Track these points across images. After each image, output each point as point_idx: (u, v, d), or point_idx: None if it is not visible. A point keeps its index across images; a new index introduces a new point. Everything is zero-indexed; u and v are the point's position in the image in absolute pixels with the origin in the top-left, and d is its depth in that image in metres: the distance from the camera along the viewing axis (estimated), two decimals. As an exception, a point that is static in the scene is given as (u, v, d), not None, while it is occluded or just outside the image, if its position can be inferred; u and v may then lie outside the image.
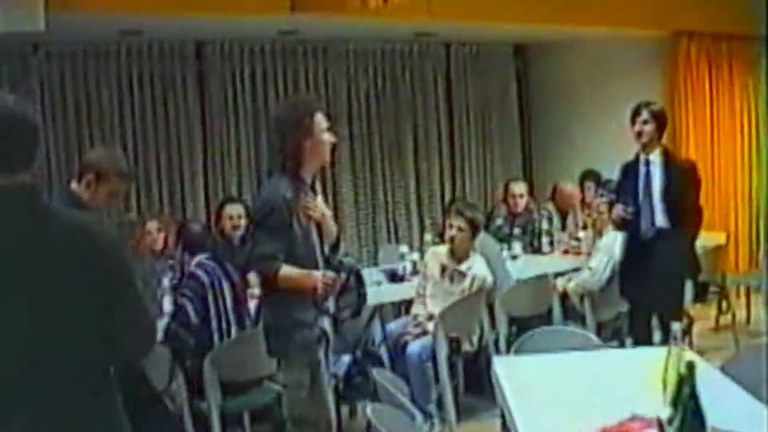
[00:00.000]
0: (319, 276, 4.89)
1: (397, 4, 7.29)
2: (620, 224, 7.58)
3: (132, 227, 8.26)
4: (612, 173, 10.04)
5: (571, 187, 10.62)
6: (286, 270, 4.87)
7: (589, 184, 10.45)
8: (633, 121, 7.50)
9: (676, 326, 3.58)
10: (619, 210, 7.45)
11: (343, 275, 5.08)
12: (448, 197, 11.51)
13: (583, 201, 10.54)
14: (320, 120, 4.96)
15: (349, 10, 7.80)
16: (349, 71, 10.84)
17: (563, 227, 10.52)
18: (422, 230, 11.06)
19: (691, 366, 3.01)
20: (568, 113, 11.81)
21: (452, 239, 7.61)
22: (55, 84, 9.26)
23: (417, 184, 11.37)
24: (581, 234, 9.83)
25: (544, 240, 9.77)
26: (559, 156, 11.89)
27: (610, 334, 8.31)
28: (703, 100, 11.32)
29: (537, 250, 9.75)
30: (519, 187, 10.02)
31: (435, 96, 11.47)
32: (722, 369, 4.42)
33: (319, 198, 5.14)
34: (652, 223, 7.44)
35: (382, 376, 5.03)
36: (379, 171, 11.12)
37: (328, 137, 4.99)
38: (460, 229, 7.58)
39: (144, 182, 9.67)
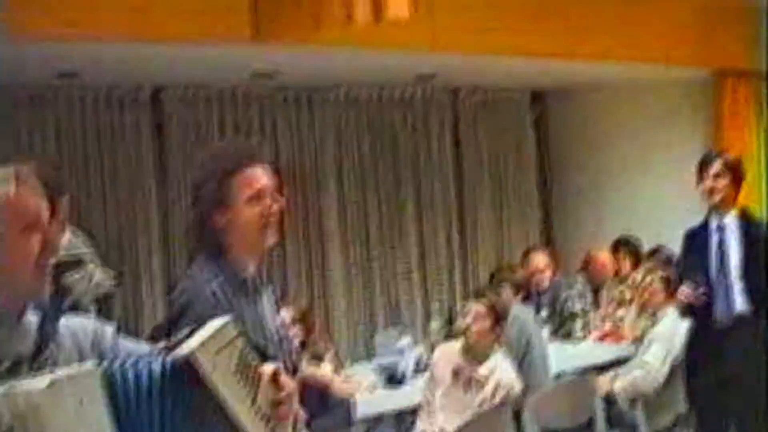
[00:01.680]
0: None
1: (392, 19, 5.59)
2: (687, 309, 5.97)
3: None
4: (652, 240, 8.79)
5: (605, 256, 9.08)
6: None
7: (624, 254, 9.05)
8: (701, 175, 5.99)
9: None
10: (686, 292, 5.86)
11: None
12: (457, 272, 9.85)
13: (616, 273, 9.07)
14: (247, 181, 3.34)
15: (327, 30, 6.11)
16: (339, 122, 9.22)
17: (596, 304, 8.92)
18: (427, 313, 9.41)
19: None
20: (595, 168, 10.39)
21: (467, 331, 5.94)
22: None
23: (421, 256, 9.70)
24: (620, 313, 8.27)
25: (577, 323, 8.12)
26: (586, 219, 10.45)
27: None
28: (750, 143, 10.03)
29: (567, 335, 8.13)
30: (541, 259, 8.50)
31: (440, 150, 9.85)
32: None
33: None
34: (729, 308, 6.00)
35: None
36: (376, 241, 9.46)
37: (260, 209, 3.33)
38: (478, 316, 5.92)
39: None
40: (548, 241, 10.56)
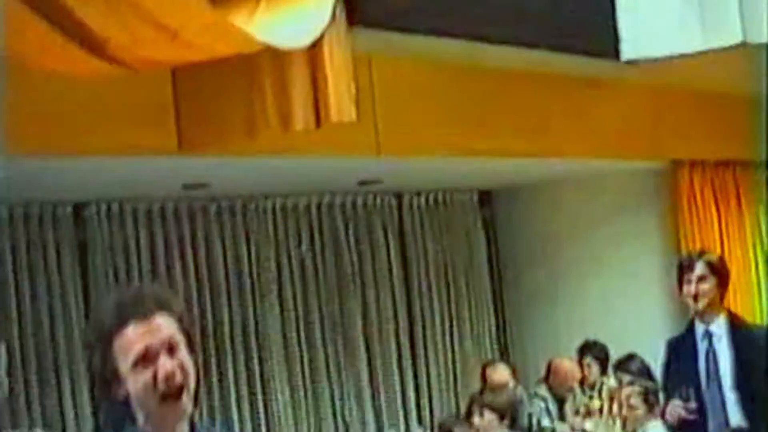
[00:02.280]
0: None
1: (336, 122, 5.01)
2: (677, 426, 5.38)
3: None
4: (619, 344, 8.25)
5: (569, 364, 8.52)
6: None
7: (589, 360, 8.49)
8: (681, 280, 5.46)
9: None
10: (676, 408, 5.30)
11: None
12: (410, 389, 9.20)
13: (582, 382, 8.48)
14: (126, 343, 2.66)
15: (262, 139, 5.53)
16: (277, 233, 8.58)
17: (560, 416, 8.32)
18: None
19: None
20: (551, 269, 9.84)
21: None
22: None
23: (370, 376, 9.04)
24: (588, 426, 7.69)
25: (545, 439, 7.51)
26: (544, 325, 9.86)
27: None
28: (712, 234, 9.71)
29: (535, 455, 7.50)
30: (500, 373, 7.90)
31: (387, 258, 9.23)
32: None
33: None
34: (725, 423, 5.42)
35: None
36: (321, 359, 8.77)
37: (149, 375, 2.64)
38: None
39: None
40: (503, 350, 9.98)
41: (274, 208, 8.59)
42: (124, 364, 2.61)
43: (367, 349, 9.07)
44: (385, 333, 9.17)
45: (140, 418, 2.64)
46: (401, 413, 9.10)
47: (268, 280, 8.52)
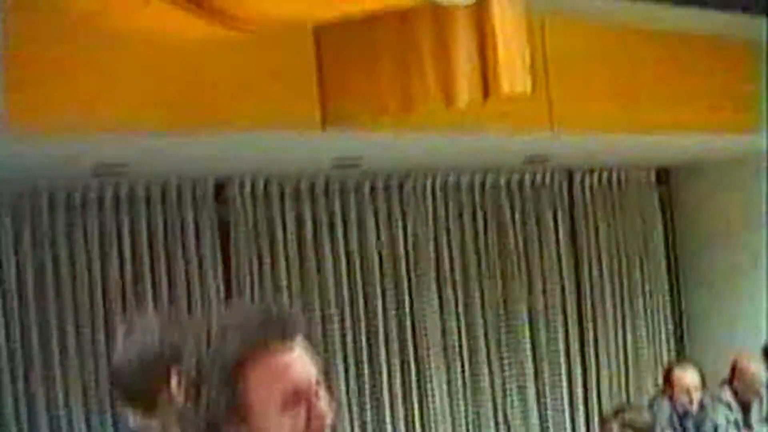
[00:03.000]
0: None
1: (509, 95, 4.25)
2: None
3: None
4: None
5: (756, 366, 7.62)
6: None
7: None
8: None
9: None
10: None
11: None
12: (577, 385, 8.43)
13: None
14: (272, 375, 2.07)
15: (421, 114, 4.82)
16: (436, 214, 7.87)
17: (746, 424, 7.45)
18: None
19: None
20: (733, 256, 8.91)
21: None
22: (8, 245, 6.37)
23: (535, 367, 8.29)
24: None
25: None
26: (723, 319, 8.95)
27: None
28: None
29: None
30: (691, 377, 7.01)
31: (555, 241, 8.45)
32: None
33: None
34: None
35: None
36: (482, 350, 8.05)
37: (302, 417, 2.07)
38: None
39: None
40: (680, 346, 9.13)
41: (433, 187, 7.87)
42: (266, 404, 2.03)
43: (532, 339, 8.31)
44: (552, 323, 8.40)
45: None
46: (567, 411, 8.32)
47: (425, 265, 7.82)
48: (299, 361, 2.07)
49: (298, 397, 2.04)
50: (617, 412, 6.19)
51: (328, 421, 2.07)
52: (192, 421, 2.04)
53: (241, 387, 2.02)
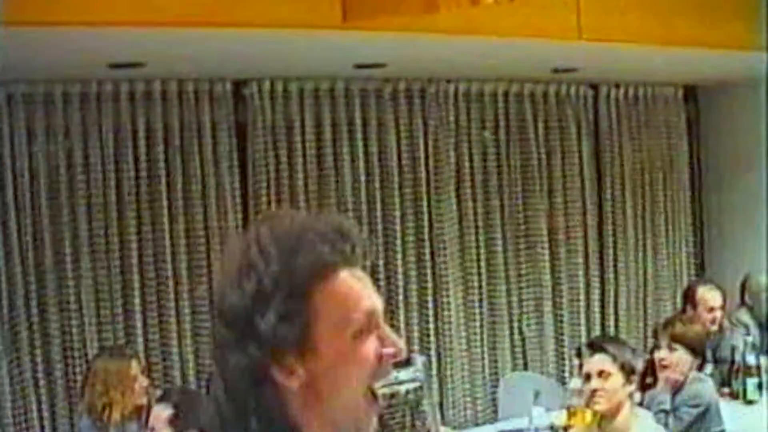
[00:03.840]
0: None
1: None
2: None
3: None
4: None
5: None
6: None
7: None
8: None
9: None
10: None
11: None
12: (595, 304, 8.30)
13: None
14: (346, 296, 1.76)
15: (445, 15, 4.64)
16: (458, 121, 7.69)
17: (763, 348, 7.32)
18: (560, 357, 7.91)
19: None
20: (758, 178, 8.60)
21: (592, 396, 4.76)
22: (22, 143, 6.26)
23: (554, 282, 8.16)
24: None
25: (751, 381, 6.51)
26: (746, 241, 8.71)
27: None
28: None
29: (736, 396, 6.54)
30: (713, 296, 6.88)
31: (578, 155, 8.26)
32: None
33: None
34: None
35: None
36: (500, 263, 7.92)
37: (372, 348, 1.76)
38: (601, 374, 4.73)
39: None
40: (700, 266, 8.99)
41: (456, 93, 7.67)
42: (338, 331, 1.74)
43: (551, 255, 8.16)
44: (572, 238, 8.24)
45: (315, 421, 1.75)
46: (584, 329, 8.21)
47: (445, 173, 7.65)
48: (370, 286, 1.80)
49: (370, 325, 1.76)
50: (666, 325, 6.06)
51: (403, 354, 1.78)
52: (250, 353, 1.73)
53: (311, 310, 1.73)
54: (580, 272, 8.24)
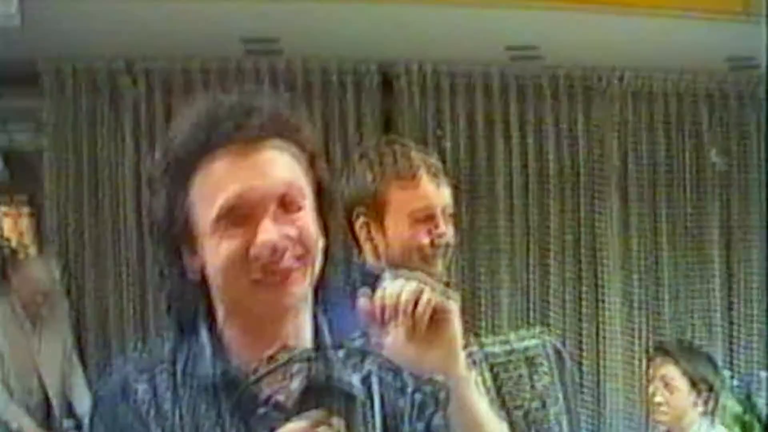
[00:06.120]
0: None
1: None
2: None
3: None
4: None
5: None
6: None
7: None
8: None
9: None
10: None
11: None
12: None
13: None
14: (213, 181, 1.62)
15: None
16: (623, 116, 7.21)
17: None
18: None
19: None
20: None
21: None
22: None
23: (725, 294, 7.56)
24: None
25: None
26: None
27: None
28: None
29: None
30: None
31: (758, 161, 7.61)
32: None
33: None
34: None
35: None
36: (666, 275, 7.38)
37: (239, 241, 1.62)
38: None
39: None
40: None
41: (621, 87, 7.18)
42: (204, 217, 1.61)
43: (726, 264, 7.55)
44: (744, 249, 7.60)
45: (220, 311, 1.65)
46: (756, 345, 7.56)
47: (609, 174, 7.18)
48: (257, 166, 1.59)
49: (239, 213, 1.58)
50: None
51: (287, 256, 1.59)
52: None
53: (181, 193, 1.61)
54: (754, 286, 7.58)
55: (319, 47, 6.01)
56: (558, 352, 2.96)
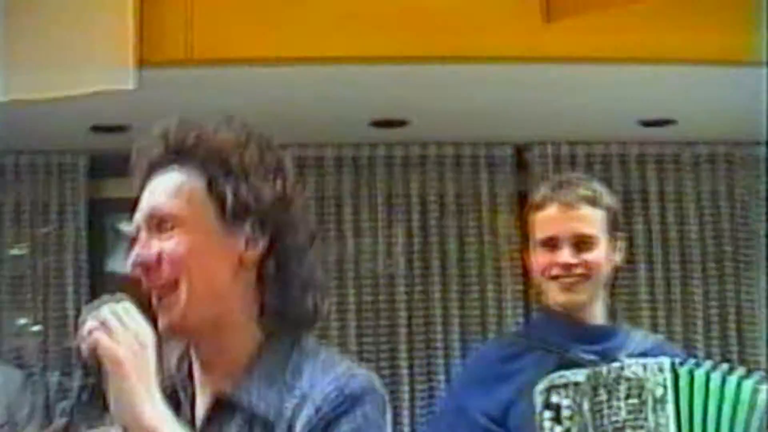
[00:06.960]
0: None
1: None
2: None
3: None
4: None
5: None
6: None
7: None
8: None
9: None
10: None
11: None
12: None
13: None
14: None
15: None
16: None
17: None
18: None
19: None
20: None
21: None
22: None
23: None
24: None
25: None
26: None
27: None
28: None
29: None
30: None
31: None
32: None
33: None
34: None
35: None
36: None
37: None
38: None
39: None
40: None
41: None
42: None
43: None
44: None
45: None
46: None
47: (752, 251, 6.81)
48: (159, 190, 1.84)
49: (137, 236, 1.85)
50: None
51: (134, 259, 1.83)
52: None
53: None
54: None
55: (451, 128, 5.95)
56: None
